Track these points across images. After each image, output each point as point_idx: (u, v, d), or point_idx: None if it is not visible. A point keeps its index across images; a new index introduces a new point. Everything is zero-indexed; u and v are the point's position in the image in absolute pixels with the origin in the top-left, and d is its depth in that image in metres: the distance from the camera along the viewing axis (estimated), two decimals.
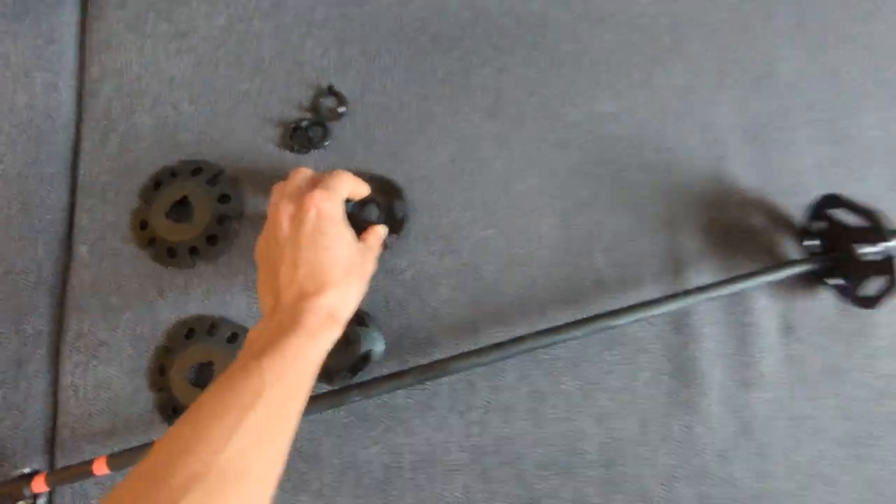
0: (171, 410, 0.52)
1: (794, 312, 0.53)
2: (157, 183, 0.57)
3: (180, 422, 0.36)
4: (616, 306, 0.49)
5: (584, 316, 0.49)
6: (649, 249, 0.54)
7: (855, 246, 0.48)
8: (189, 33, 0.61)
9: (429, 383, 0.52)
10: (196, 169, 0.57)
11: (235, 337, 0.54)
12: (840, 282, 0.52)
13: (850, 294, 0.51)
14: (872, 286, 0.49)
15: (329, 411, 0.52)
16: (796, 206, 0.55)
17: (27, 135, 0.60)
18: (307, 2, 0.61)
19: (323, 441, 0.52)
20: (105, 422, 0.53)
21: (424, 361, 0.50)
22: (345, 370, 0.52)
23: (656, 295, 0.51)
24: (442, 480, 0.51)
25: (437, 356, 0.52)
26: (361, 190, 0.50)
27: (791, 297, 0.53)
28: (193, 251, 0.55)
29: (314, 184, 0.45)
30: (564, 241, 0.55)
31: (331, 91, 0.58)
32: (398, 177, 0.57)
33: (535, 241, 0.55)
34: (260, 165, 0.58)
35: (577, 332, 0.48)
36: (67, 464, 0.51)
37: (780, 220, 0.55)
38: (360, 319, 0.53)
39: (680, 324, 0.53)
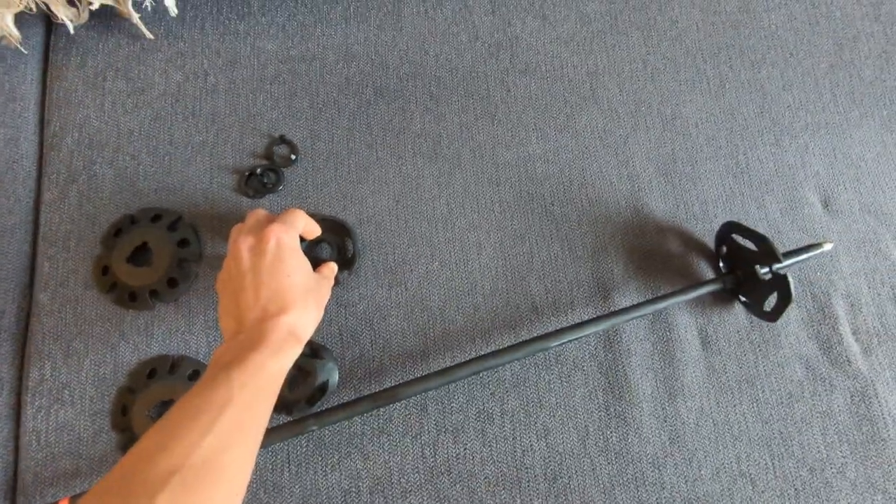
0: None
1: (711, 326, 0.58)
2: (117, 230, 0.60)
3: (154, 427, 0.37)
4: (551, 329, 0.53)
5: (523, 339, 0.53)
6: (579, 275, 0.60)
7: (757, 267, 0.54)
8: (147, 89, 0.65)
9: (383, 409, 0.55)
10: (156, 216, 0.60)
11: (196, 374, 0.56)
12: (747, 298, 0.58)
13: (755, 309, 0.57)
14: (772, 301, 0.55)
15: (289, 441, 0.54)
16: (706, 231, 0.61)
17: None
18: (259, 59, 0.66)
19: (284, 471, 0.54)
20: (68, 464, 0.54)
21: (378, 389, 0.54)
22: (302, 401, 0.54)
23: (587, 317, 0.56)
24: (399, 502, 0.53)
25: (390, 383, 0.55)
26: (313, 228, 0.54)
27: (708, 313, 0.59)
28: (154, 294, 0.57)
29: (271, 220, 0.48)
30: (502, 270, 0.60)
31: (283, 140, 0.62)
32: (348, 217, 0.61)
33: (475, 271, 0.59)
34: (217, 210, 0.61)
35: (517, 355, 0.52)
36: None
37: (692, 245, 0.61)
38: (315, 352, 0.56)
39: (610, 342, 0.57)
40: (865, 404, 0.56)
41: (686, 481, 0.54)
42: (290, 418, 0.54)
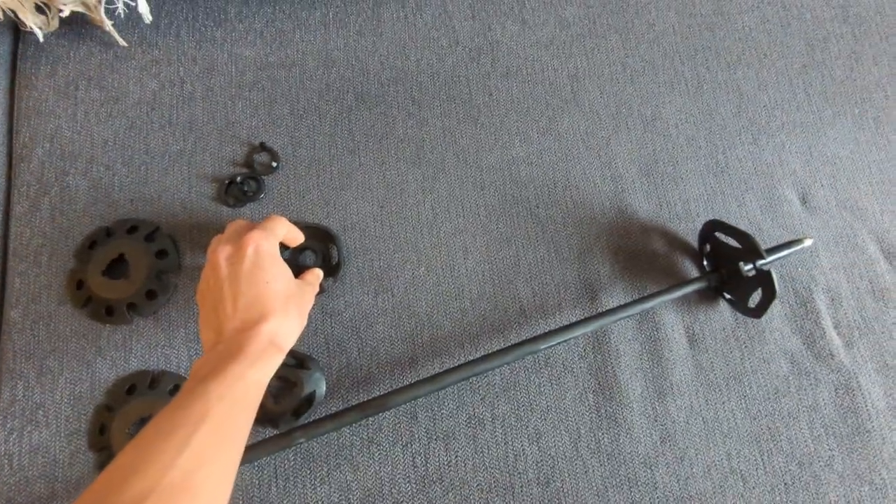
0: None
1: (697, 325, 0.59)
2: (92, 243, 0.58)
3: (128, 446, 0.35)
4: (540, 331, 0.53)
5: (512, 343, 0.53)
6: (566, 277, 0.60)
7: (740, 264, 0.54)
8: (121, 98, 0.63)
9: (372, 419, 0.54)
10: (132, 227, 0.58)
11: (178, 388, 0.54)
12: (732, 295, 0.59)
13: (740, 306, 0.58)
14: (756, 297, 0.55)
15: (276, 455, 0.53)
16: (689, 230, 0.61)
17: None
18: (237, 66, 0.65)
19: (271, 486, 0.52)
20: (43, 488, 0.51)
21: (366, 398, 0.53)
22: (289, 414, 0.53)
23: (575, 318, 0.57)
24: None
25: (378, 392, 0.54)
26: (296, 236, 0.53)
27: (694, 311, 0.59)
28: (132, 307, 0.56)
29: (251, 228, 0.47)
30: (489, 274, 0.59)
31: (263, 147, 0.61)
32: (332, 224, 0.60)
33: (462, 276, 0.59)
34: (196, 220, 0.60)
35: (507, 359, 0.52)
36: None
37: (676, 244, 0.61)
38: (301, 362, 0.55)
39: (599, 343, 0.57)
40: (850, 397, 0.57)
41: (678, 480, 0.54)
42: (276, 431, 0.52)
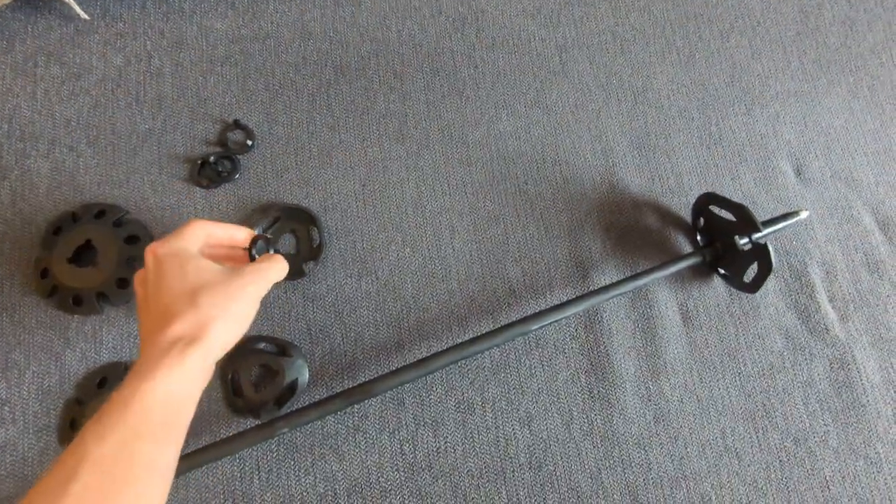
0: None
1: (691, 301, 0.57)
2: (57, 229, 0.55)
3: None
4: (530, 312, 0.51)
5: (502, 324, 0.51)
6: (556, 255, 0.58)
7: (735, 238, 0.53)
8: (84, 75, 0.60)
9: (357, 406, 0.52)
10: (100, 212, 0.55)
11: None
12: (727, 270, 0.57)
13: (735, 281, 0.56)
14: (752, 272, 0.54)
15: (258, 447, 0.51)
16: (682, 205, 0.60)
17: None
18: (207, 39, 0.61)
19: (253, 478, 0.51)
20: (12, 486, 0.49)
21: (351, 385, 0.51)
22: (270, 403, 0.51)
23: (566, 298, 0.54)
24: (378, 503, 0.51)
25: (364, 378, 0.52)
26: (232, 234, 0.45)
27: (688, 287, 0.58)
28: (101, 296, 0.53)
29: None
30: (477, 254, 0.57)
31: (237, 125, 0.58)
32: (312, 205, 0.57)
33: (449, 256, 0.57)
34: (168, 203, 0.57)
35: (496, 341, 0.50)
36: None
37: (669, 219, 0.60)
38: (282, 350, 0.53)
39: (591, 323, 0.56)
40: (844, 371, 0.56)
41: (672, 460, 0.53)
42: (258, 422, 0.50)
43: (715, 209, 0.55)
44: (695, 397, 0.55)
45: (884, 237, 0.61)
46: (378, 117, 0.60)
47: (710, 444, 0.53)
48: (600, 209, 0.59)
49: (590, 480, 0.52)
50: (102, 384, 0.51)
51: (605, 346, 0.55)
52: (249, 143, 0.58)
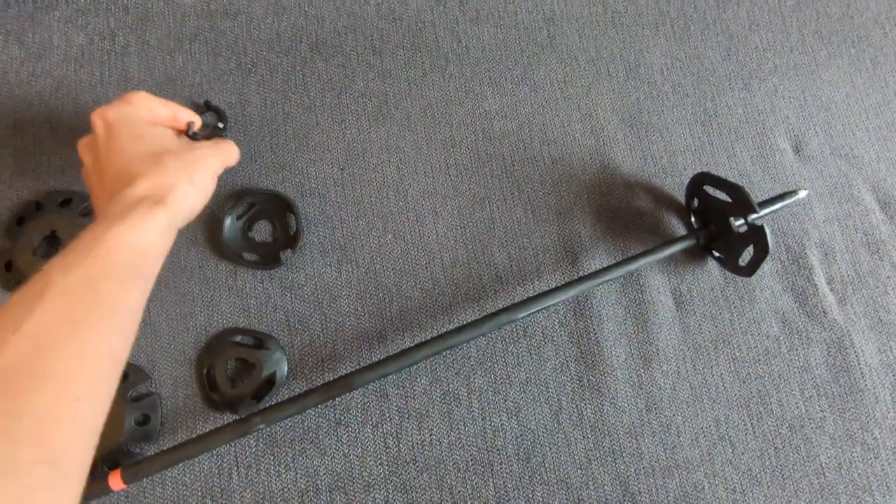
0: None
1: (685, 286, 0.56)
2: (20, 219, 0.52)
3: None
4: (517, 299, 0.50)
5: (488, 312, 0.49)
6: (544, 240, 0.56)
7: (731, 219, 0.51)
8: (44, 55, 0.57)
9: (338, 399, 0.51)
10: (65, 200, 0.53)
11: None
12: (721, 253, 0.55)
13: (730, 264, 0.55)
14: (748, 255, 0.52)
15: (236, 443, 0.49)
16: (676, 185, 0.58)
17: None
18: (175, 15, 0.58)
19: (232, 474, 0.49)
20: None
21: (331, 378, 0.49)
22: (248, 397, 0.50)
23: (555, 284, 0.53)
24: (361, 498, 0.49)
25: (345, 371, 0.51)
26: (171, 111, 0.45)
27: (681, 271, 0.56)
28: None
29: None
30: (462, 239, 0.55)
31: (208, 106, 0.56)
32: (288, 190, 0.55)
33: (432, 242, 0.55)
34: None
35: (482, 329, 0.48)
36: None
37: (662, 200, 0.58)
38: (260, 342, 0.51)
39: (581, 309, 0.54)
40: (842, 355, 0.55)
41: (665, 449, 0.52)
42: (235, 417, 0.49)
43: (710, 189, 0.53)
44: (688, 384, 0.53)
45: (884, 216, 0.59)
46: (356, 97, 0.58)
47: (703, 432, 0.52)
48: (590, 191, 0.57)
49: (579, 471, 0.51)
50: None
51: (595, 334, 0.54)
52: (221, 125, 0.55)
